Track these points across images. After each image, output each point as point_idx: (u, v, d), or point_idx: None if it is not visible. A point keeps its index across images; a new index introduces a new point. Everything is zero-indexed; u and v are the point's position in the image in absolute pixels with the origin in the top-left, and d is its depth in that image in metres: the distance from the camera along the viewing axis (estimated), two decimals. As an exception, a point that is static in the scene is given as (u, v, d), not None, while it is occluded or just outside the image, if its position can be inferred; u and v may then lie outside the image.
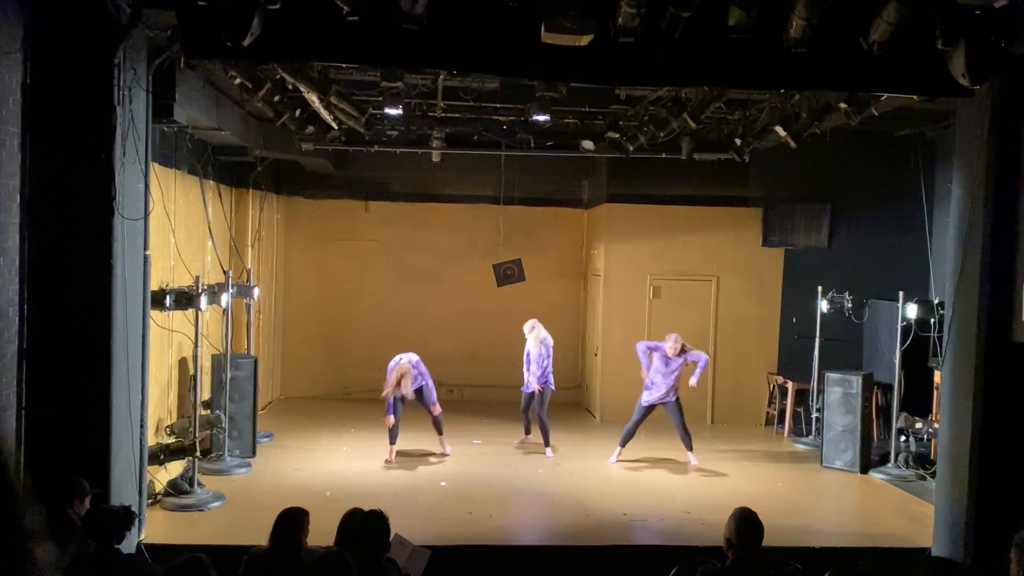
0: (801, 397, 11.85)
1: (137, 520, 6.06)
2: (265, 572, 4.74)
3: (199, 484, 8.15)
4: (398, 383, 9.65)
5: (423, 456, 10.20)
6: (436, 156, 11.86)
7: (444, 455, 10.18)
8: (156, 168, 7.63)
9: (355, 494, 8.03)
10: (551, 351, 10.59)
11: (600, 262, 13.02)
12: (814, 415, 11.21)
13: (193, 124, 8.62)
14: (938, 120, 10.20)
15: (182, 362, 9.27)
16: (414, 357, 9.99)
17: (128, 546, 5.90)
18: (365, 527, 4.56)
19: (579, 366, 13.99)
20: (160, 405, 8.56)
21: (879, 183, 12.27)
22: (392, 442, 9.89)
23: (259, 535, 5.13)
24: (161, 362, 8.57)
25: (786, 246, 12.64)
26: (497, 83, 9.01)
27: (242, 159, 10.90)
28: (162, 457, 7.75)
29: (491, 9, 6.07)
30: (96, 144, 6.08)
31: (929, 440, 9.71)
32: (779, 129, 9.50)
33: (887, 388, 10.90)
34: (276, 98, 9.08)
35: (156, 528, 7.24)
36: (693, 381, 9.97)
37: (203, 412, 8.82)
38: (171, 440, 8.08)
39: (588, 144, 11.31)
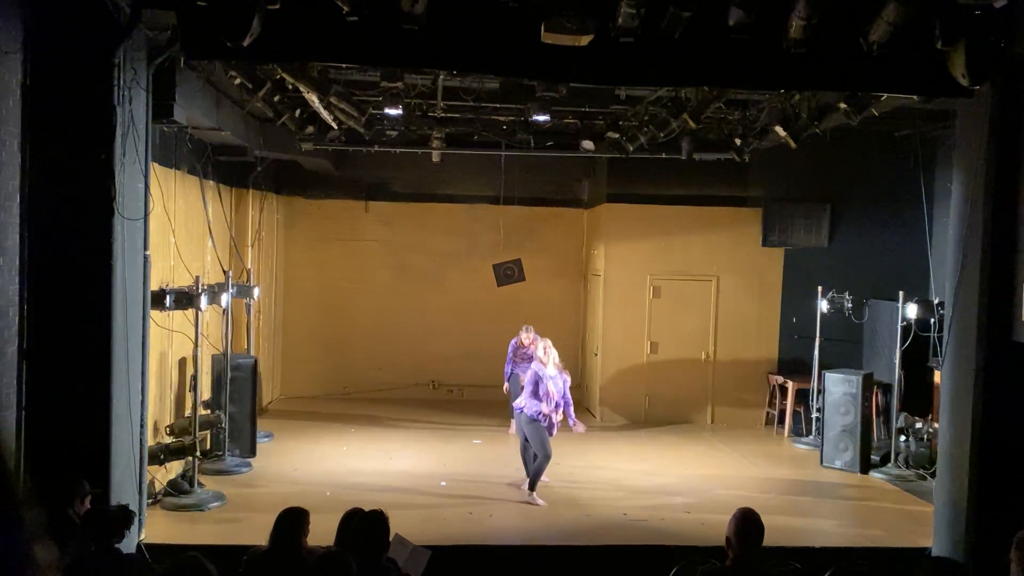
0: (801, 397, 11.85)
1: (136, 520, 6.06)
2: (265, 572, 4.74)
3: (199, 484, 8.15)
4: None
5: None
6: (436, 156, 11.85)
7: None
8: (156, 168, 7.63)
9: (355, 494, 8.03)
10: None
11: (600, 262, 13.02)
12: (814, 415, 11.20)
13: (193, 124, 8.61)
14: (938, 120, 10.19)
15: (182, 362, 9.27)
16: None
17: (128, 546, 5.90)
18: (365, 527, 4.56)
19: (579, 366, 13.98)
20: (160, 405, 8.56)
21: (879, 183, 12.27)
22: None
23: (259, 535, 5.13)
24: (161, 362, 8.57)
25: (786, 246, 12.64)
26: (497, 83, 9.00)
27: (242, 159, 10.89)
28: (162, 457, 7.75)
29: (491, 9, 6.07)
30: (96, 144, 6.08)
31: (929, 440, 9.71)
32: (779, 129, 9.49)
33: (887, 388, 10.90)
34: (276, 98, 9.08)
35: (156, 528, 7.23)
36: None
37: (203, 412, 8.82)
38: (171, 440, 8.09)
39: (588, 144, 11.31)
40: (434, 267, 14.01)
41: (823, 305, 11.26)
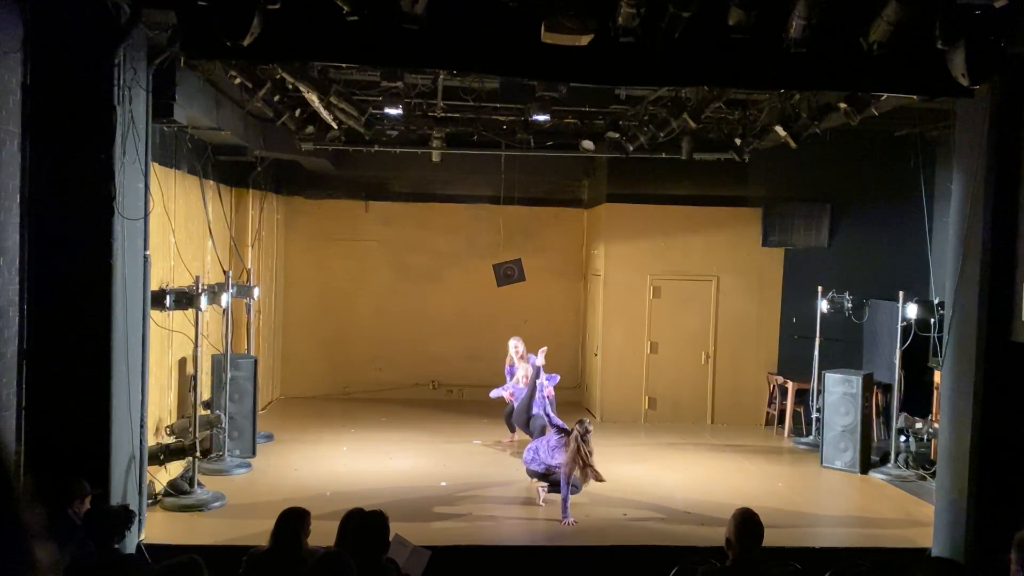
0: (801, 397, 11.85)
1: (136, 520, 6.06)
2: (265, 572, 4.74)
3: (199, 484, 8.15)
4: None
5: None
6: (436, 156, 11.85)
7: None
8: (156, 168, 7.63)
9: (355, 494, 8.04)
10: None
11: (600, 262, 13.02)
12: (814, 415, 11.20)
13: (193, 124, 8.61)
14: (938, 120, 10.19)
15: (182, 362, 9.27)
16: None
17: (128, 546, 5.91)
18: (365, 527, 4.57)
19: (579, 366, 13.99)
20: (160, 405, 8.56)
21: (879, 183, 12.27)
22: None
23: (259, 535, 5.13)
24: (161, 362, 8.57)
25: (786, 246, 12.64)
26: (497, 83, 9.00)
27: (242, 159, 10.89)
28: (162, 457, 7.75)
29: (491, 9, 6.07)
30: (96, 144, 6.07)
31: (929, 440, 9.71)
32: (779, 129, 9.50)
33: (887, 388, 10.90)
34: (276, 98, 9.09)
35: (156, 528, 7.23)
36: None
37: (203, 412, 8.82)
38: (171, 440, 8.08)
39: (588, 144, 11.30)
40: (434, 267, 14.02)
41: (823, 305, 11.26)
